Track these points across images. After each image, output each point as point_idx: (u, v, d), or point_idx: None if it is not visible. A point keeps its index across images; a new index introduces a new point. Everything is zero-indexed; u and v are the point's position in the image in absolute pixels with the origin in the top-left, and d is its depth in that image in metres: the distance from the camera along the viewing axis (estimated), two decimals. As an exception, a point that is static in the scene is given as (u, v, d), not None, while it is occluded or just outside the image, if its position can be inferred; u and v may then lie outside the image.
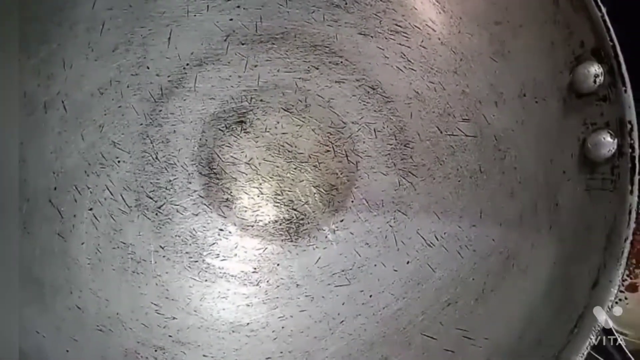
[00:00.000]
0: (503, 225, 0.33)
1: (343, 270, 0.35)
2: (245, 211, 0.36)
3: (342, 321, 0.33)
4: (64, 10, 0.32)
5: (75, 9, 0.32)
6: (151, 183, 0.34)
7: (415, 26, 0.36)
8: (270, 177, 0.36)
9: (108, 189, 0.33)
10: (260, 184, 0.36)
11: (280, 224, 0.36)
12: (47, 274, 0.30)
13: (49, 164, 0.31)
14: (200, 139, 0.36)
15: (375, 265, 0.35)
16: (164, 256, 0.34)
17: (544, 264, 0.31)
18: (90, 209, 0.33)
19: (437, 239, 0.34)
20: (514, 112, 0.34)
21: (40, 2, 0.31)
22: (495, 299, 0.32)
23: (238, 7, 0.36)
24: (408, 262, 0.34)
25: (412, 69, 0.36)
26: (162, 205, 0.34)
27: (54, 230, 0.31)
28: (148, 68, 0.35)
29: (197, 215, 0.35)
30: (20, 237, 0.29)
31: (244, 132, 0.36)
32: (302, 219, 0.36)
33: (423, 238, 0.34)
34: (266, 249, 0.35)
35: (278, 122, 0.37)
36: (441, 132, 0.35)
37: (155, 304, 0.32)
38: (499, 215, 0.33)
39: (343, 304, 0.34)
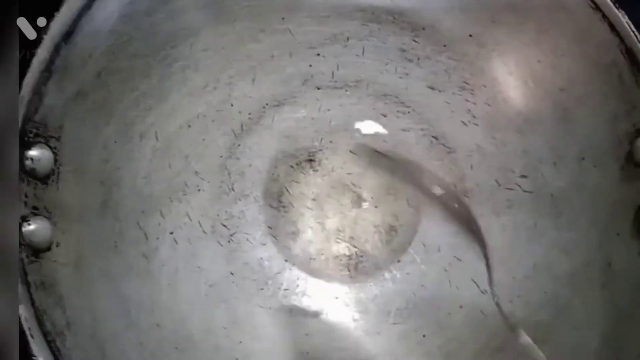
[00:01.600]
0: (556, 280, 0.35)
1: (398, 309, 0.37)
2: (309, 245, 0.38)
3: (396, 358, 0.35)
4: (166, 49, 0.34)
5: (176, 48, 0.35)
6: (226, 212, 0.37)
7: (483, 85, 0.38)
8: (334, 214, 0.39)
9: (188, 215, 0.36)
10: (324, 220, 0.38)
11: (341, 260, 0.38)
12: (133, 291, 0.32)
13: (139, 188, 0.34)
14: (272, 174, 0.38)
15: (429, 307, 0.37)
16: (233, 282, 0.36)
17: (595, 322, 0.32)
18: (172, 233, 0.35)
19: (490, 288, 0.36)
20: (572, 174, 0.36)
21: (147, 41, 0.33)
22: (543, 351, 0.33)
23: (318, 55, 0.38)
24: (461, 307, 0.36)
25: (476, 124, 0.38)
26: (234, 234, 0.37)
27: (140, 251, 0.33)
28: (232, 105, 0.37)
29: (264, 245, 0.37)
30: (112, 255, 0.32)
31: (313, 170, 0.39)
32: (362, 256, 0.38)
33: (477, 285, 0.36)
34: (327, 282, 0.37)
35: (345, 163, 0.39)
36: (499, 185, 0.38)
37: (224, 328, 0.34)
38: (552, 270, 0.35)
39: (399, 340, 0.36)
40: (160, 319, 0.33)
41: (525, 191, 0.37)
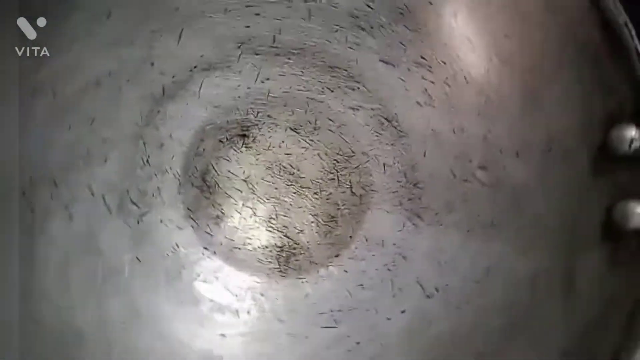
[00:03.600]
0: (512, 286, 0.30)
1: (332, 311, 0.32)
2: (235, 232, 0.33)
3: (324, 367, 0.30)
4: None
5: (82, -8, 0.29)
6: (138, 189, 0.32)
7: (442, 61, 0.33)
8: (267, 199, 0.34)
9: (89, 188, 0.30)
10: (255, 204, 0.33)
11: (271, 251, 0.33)
12: (8, 272, 0.27)
13: (28, 151, 0.29)
14: (197, 148, 0.33)
15: (367, 310, 0.32)
16: (138, 269, 0.31)
17: (557, 335, 0.28)
18: (67, 207, 0.30)
19: (437, 290, 0.32)
20: (537, 166, 0.31)
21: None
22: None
23: (257, 14, 0.33)
24: (403, 312, 0.31)
25: (432, 106, 0.34)
26: (146, 214, 0.32)
27: (23, 226, 0.28)
28: (152, 64, 0.32)
29: (182, 229, 0.32)
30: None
31: (245, 147, 0.34)
32: (295, 248, 0.33)
33: (422, 287, 0.32)
34: (252, 275, 0.32)
35: (283, 142, 0.34)
36: (455, 177, 0.33)
37: (122, 322, 0.29)
38: (509, 275, 0.31)
39: (327, 347, 0.31)
40: (42, 312, 0.27)
41: (483, 184, 0.33)
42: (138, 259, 0.31)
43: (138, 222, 0.31)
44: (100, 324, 0.29)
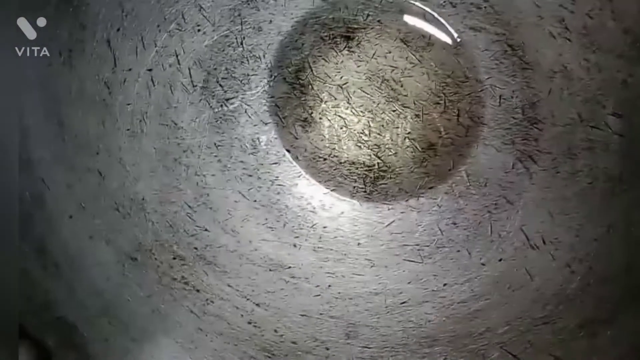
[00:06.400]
0: (634, 248, 0.26)
1: (418, 245, 0.28)
2: (322, 140, 0.29)
3: (404, 302, 0.26)
4: None
5: None
6: (226, 69, 0.28)
7: (588, -11, 0.29)
8: (362, 112, 0.30)
9: (176, 55, 0.27)
10: (348, 115, 0.30)
11: (357, 168, 0.29)
12: (77, 123, 0.24)
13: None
14: (296, 41, 0.29)
15: (458, 251, 0.28)
16: (215, 155, 0.27)
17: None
18: (150, 70, 0.26)
19: (544, 243, 0.27)
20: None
21: None
22: (605, 333, 0.24)
23: None
24: (501, 260, 0.27)
25: (568, 39, 0.29)
26: (231, 99, 0.28)
27: (102, 77, 0.25)
28: (268, -62, 0.29)
29: (266, 124, 0.29)
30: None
31: (348, 51, 0.30)
32: (385, 171, 0.29)
33: (527, 237, 0.28)
34: (333, 190, 0.29)
35: (390, 53, 0.30)
36: (582, 121, 0.29)
37: (189, 206, 0.25)
38: (632, 237, 0.26)
39: (409, 282, 0.27)
40: (104, 167, 0.24)
41: (615, 133, 0.28)
42: (216, 144, 0.27)
43: (222, 106, 0.28)
44: (167, 202, 0.25)
